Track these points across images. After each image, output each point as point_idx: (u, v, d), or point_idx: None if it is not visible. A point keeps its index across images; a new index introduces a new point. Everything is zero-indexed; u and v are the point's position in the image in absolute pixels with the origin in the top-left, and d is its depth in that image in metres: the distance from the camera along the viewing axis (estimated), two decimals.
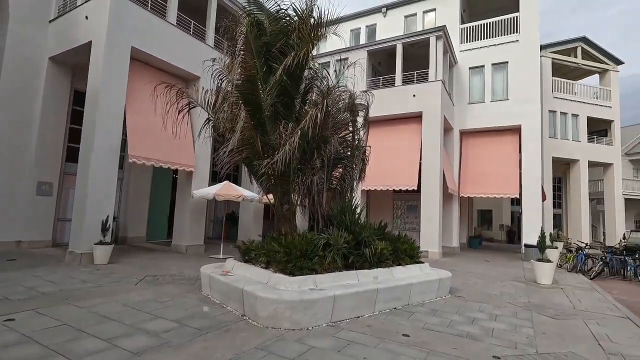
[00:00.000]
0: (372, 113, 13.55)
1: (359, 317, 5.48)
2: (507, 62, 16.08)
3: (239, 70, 6.47)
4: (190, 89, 10.43)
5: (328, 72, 7.83)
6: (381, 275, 6.42)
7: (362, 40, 19.89)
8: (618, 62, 22.96)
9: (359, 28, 20.40)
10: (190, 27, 11.79)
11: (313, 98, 7.76)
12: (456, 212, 16.28)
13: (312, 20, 6.62)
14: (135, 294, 6.18)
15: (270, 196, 7.49)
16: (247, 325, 4.85)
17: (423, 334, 4.90)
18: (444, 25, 14.94)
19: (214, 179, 14.90)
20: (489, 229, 26.12)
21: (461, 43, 17.12)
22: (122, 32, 9.50)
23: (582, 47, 22.20)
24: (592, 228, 24.48)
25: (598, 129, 23.05)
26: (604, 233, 23.67)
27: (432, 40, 14.67)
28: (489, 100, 16.36)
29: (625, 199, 23.75)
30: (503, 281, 9.45)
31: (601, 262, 11.19)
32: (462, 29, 17.22)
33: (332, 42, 16.67)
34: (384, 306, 5.93)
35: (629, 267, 11.03)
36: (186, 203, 11.68)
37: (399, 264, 7.09)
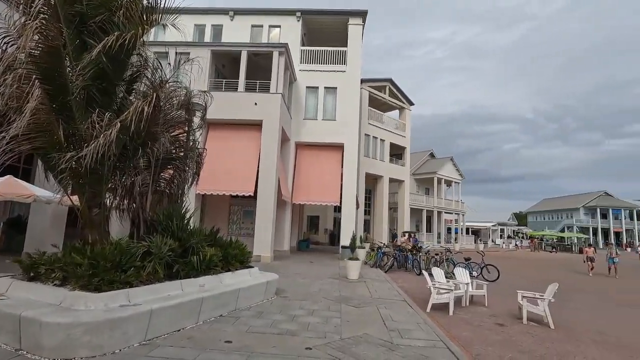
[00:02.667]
0: (213, 115, 13.13)
1: (180, 329, 5.11)
2: (336, 88, 18.55)
3: (38, 37, 5.11)
4: None
5: (161, 64, 7.11)
6: (209, 283, 6.20)
7: (207, 38, 19.13)
8: (411, 103, 29.97)
9: (205, 25, 19.54)
10: None
11: (142, 89, 6.90)
12: (288, 217, 17.47)
13: (145, 1, 5.92)
14: None
15: (76, 198, 6.16)
16: None
17: (246, 338, 4.98)
18: (287, 44, 16.04)
19: None
20: (316, 233, 29.15)
21: (301, 63, 18.72)
22: None
23: (389, 87, 27.90)
24: (389, 231, 30.74)
25: (397, 153, 29.29)
26: (413, 235, 30.01)
27: (275, 54, 15.49)
28: (320, 118, 18.43)
29: (411, 208, 30.95)
30: (322, 279, 10.68)
31: (392, 258, 14.17)
32: (302, 50, 18.87)
33: (174, 33, 15.33)
34: (209, 314, 5.73)
35: (409, 261, 14.34)
36: None
37: (229, 270, 7.03)
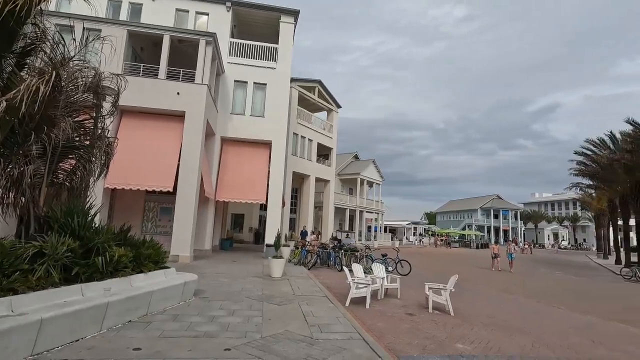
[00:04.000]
0: (128, 102, 12.01)
1: (79, 339, 4.55)
2: (265, 84, 18.31)
3: None
4: None
5: (64, 39, 6.21)
6: (116, 286, 5.63)
7: (123, 17, 17.29)
8: (338, 105, 31.00)
9: (121, 2, 17.63)
10: None
11: (38, 65, 5.96)
12: (211, 215, 16.72)
13: None
14: None
15: None
16: None
17: (158, 343, 4.65)
18: (215, 33, 15.31)
19: None
20: (240, 232, 28.44)
21: (229, 55, 18.05)
22: None
23: (318, 88, 28.46)
24: (315, 229, 31.41)
25: (324, 153, 30.05)
26: (320, 233, 30.81)
27: (202, 43, 14.68)
28: (249, 113, 18.00)
29: (335, 207, 32.06)
30: (245, 278, 10.46)
31: (316, 256, 14.51)
32: (231, 42, 18.21)
33: (82, 5, 13.48)
34: (116, 321, 5.21)
35: (331, 258, 14.84)
36: None
37: (141, 272, 6.48)
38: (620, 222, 33.30)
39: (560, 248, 63.63)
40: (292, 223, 28.40)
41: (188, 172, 13.66)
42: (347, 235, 25.47)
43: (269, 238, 16.45)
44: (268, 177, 17.69)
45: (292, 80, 23.58)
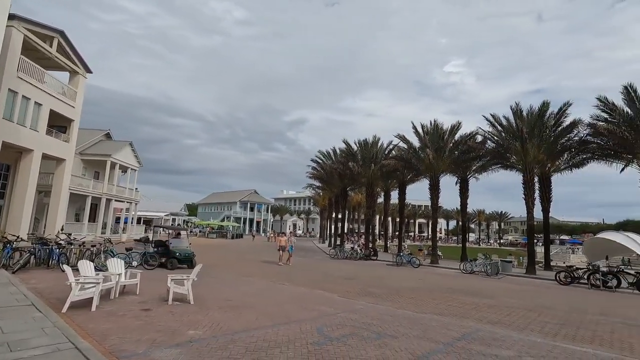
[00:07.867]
0: None
1: None
2: None
3: None
4: None
5: None
6: None
7: None
8: (88, 70, 25.33)
9: None
10: None
11: None
12: None
13: None
14: None
15: None
16: None
17: None
18: None
19: None
20: None
21: None
22: None
23: (59, 40, 22.20)
24: (35, 220, 24.19)
25: (59, 124, 23.70)
26: (45, 225, 24.11)
27: None
28: None
29: (72, 193, 26.01)
30: None
31: (28, 254, 11.18)
32: None
33: None
34: None
35: (54, 256, 11.86)
36: None
37: None
38: (334, 216, 44.65)
39: (297, 236, 78.13)
40: None
41: None
42: (177, 234, 18.03)
43: None
44: None
45: (15, 17, 17.45)
